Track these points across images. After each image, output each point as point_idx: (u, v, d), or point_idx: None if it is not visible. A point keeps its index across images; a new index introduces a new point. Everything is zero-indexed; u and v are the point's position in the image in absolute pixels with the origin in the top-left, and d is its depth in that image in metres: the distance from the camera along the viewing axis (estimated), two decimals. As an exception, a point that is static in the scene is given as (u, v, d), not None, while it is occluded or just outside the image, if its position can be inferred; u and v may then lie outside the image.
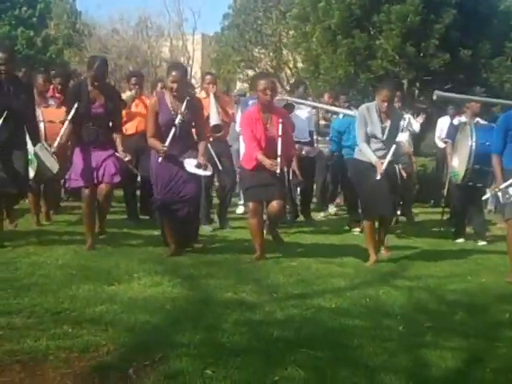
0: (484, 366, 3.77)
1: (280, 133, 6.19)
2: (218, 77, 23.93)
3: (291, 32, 24.26)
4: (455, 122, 8.74)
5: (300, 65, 25.13)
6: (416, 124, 10.32)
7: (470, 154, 7.49)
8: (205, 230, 7.59)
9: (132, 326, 4.02)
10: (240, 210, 9.63)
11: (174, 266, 5.74)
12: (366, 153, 6.44)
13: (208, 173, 6.20)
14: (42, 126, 6.99)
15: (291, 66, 25.41)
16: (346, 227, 8.97)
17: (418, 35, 15.38)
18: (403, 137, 10.06)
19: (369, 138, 6.45)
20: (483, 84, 15.92)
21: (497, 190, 6.19)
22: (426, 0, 15.14)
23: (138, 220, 8.13)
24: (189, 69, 25.74)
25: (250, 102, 8.10)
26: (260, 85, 6.26)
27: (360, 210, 7.47)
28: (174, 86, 6.01)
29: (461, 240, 8.35)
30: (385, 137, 6.40)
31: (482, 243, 8.31)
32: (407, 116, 8.75)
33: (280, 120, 6.26)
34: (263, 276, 5.60)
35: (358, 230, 8.58)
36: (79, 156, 6.18)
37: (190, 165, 6.05)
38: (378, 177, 6.16)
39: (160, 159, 5.94)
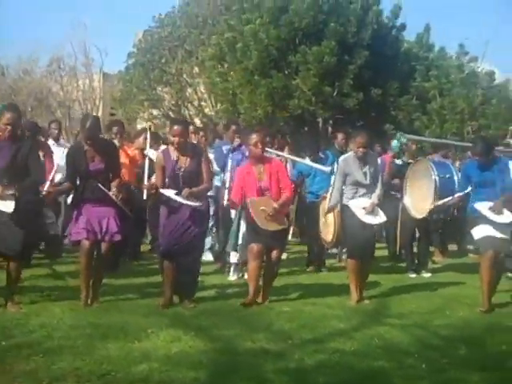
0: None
1: (270, 182, 6.65)
2: (122, 116, 24.00)
3: (195, 69, 24.69)
4: (398, 161, 9.25)
5: (203, 103, 25.56)
6: None
7: (435, 188, 8.05)
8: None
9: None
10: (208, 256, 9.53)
11: (179, 319, 5.84)
12: (332, 198, 7.01)
13: (196, 204, 6.25)
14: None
15: (196, 104, 25.68)
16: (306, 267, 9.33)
17: (333, 75, 16.03)
18: None
19: (342, 188, 6.94)
20: (392, 121, 16.86)
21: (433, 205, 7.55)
22: (341, 42, 15.80)
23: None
24: (95, 108, 25.60)
25: (224, 148, 8.37)
26: (252, 139, 6.65)
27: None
28: (176, 139, 6.26)
29: (413, 275, 8.88)
30: (368, 181, 6.88)
31: (427, 275, 8.94)
32: None
33: (270, 170, 6.68)
34: (267, 323, 5.81)
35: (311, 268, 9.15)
36: (81, 210, 6.20)
37: (170, 193, 6.24)
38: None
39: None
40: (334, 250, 10.01)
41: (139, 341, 5.05)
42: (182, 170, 6.31)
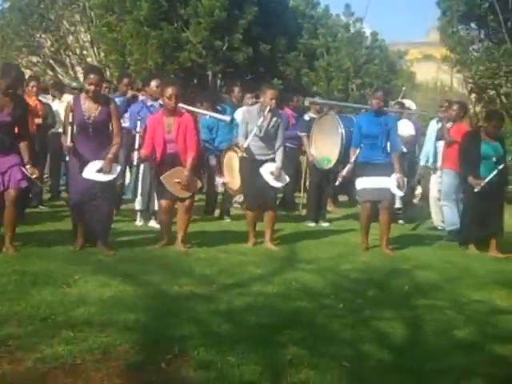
0: (424, 330, 4.66)
1: (176, 135, 6.83)
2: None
3: (77, 16, 23.91)
4: (306, 117, 9.68)
5: (85, 52, 24.84)
6: None
7: (342, 140, 8.49)
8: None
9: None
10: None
11: (102, 265, 5.92)
12: (239, 141, 7.30)
13: (110, 177, 6.39)
14: None
15: (78, 52, 24.92)
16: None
17: (223, 29, 16.17)
18: None
19: (247, 135, 7.21)
20: (281, 76, 17.28)
21: (340, 175, 7.72)
22: (231, -4, 15.97)
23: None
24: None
25: (117, 100, 8.36)
26: (167, 92, 6.78)
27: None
28: (92, 88, 6.27)
29: (312, 224, 9.37)
30: (262, 134, 7.20)
31: (325, 224, 9.48)
32: None
33: (179, 123, 6.85)
34: (189, 269, 6.03)
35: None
36: None
37: (91, 170, 6.31)
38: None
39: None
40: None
41: (69, 286, 5.11)
42: (92, 118, 6.37)
